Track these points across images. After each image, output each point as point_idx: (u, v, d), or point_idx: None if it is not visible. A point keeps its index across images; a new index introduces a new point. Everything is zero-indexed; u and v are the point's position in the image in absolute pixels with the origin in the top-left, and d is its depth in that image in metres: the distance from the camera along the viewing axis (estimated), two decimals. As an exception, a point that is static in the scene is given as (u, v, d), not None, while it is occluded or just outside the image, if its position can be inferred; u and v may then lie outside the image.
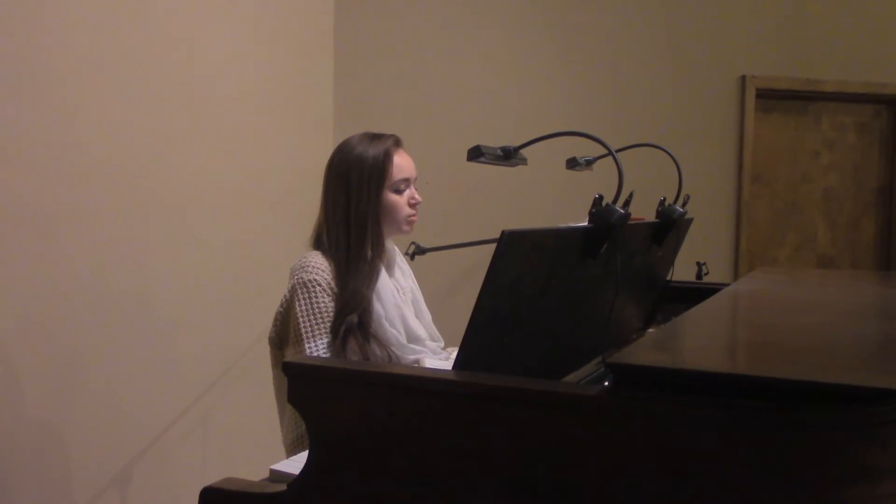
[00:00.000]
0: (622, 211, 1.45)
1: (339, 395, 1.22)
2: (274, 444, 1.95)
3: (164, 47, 2.71)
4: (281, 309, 1.88)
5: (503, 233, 1.21)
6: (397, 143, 1.94)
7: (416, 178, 1.96)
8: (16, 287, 2.23)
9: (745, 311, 1.84)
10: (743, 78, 4.29)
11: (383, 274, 1.89)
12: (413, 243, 3.25)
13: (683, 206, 2.08)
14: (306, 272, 1.82)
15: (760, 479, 0.98)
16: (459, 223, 3.84)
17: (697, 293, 2.13)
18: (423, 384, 1.18)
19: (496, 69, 4.02)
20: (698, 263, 2.88)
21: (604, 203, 1.45)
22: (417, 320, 1.97)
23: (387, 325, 1.85)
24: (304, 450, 1.40)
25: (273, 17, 3.32)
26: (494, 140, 1.82)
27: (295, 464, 1.32)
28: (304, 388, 1.24)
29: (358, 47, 3.83)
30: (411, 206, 1.93)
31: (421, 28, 3.93)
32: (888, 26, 4.44)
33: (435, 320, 2.08)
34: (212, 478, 1.30)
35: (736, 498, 0.99)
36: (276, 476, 1.33)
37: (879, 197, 4.62)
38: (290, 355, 1.82)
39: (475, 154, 1.62)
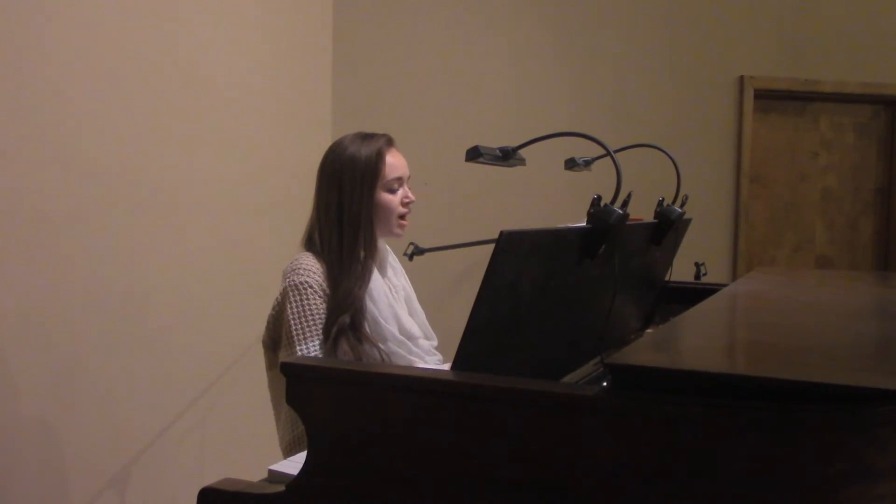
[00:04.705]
0: (620, 211, 1.45)
1: (337, 395, 1.22)
2: (273, 445, 1.94)
3: (162, 48, 2.71)
4: (273, 312, 1.87)
5: (502, 233, 1.21)
6: (389, 142, 1.93)
7: (408, 177, 1.96)
8: (13, 288, 2.23)
9: (743, 312, 1.84)
10: (741, 78, 4.30)
11: (375, 274, 1.89)
12: (412, 243, 3.25)
13: (682, 206, 2.08)
14: (297, 274, 1.81)
15: (759, 479, 0.98)
16: (458, 223, 3.84)
17: (696, 294, 2.13)
18: (421, 384, 1.18)
19: (495, 69, 4.02)
20: (697, 264, 2.88)
21: (602, 203, 1.45)
22: (411, 318, 1.97)
23: (382, 321, 1.84)
24: (300, 452, 1.39)
25: (271, 18, 3.32)
26: (493, 140, 1.82)
27: (293, 464, 1.32)
28: (302, 388, 1.24)
29: (357, 48, 3.83)
30: (404, 205, 1.93)
31: (420, 29, 3.93)
32: (887, 27, 4.44)
33: (434, 320, 2.07)
34: (210, 478, 1.30)
35: (735, 498, 0.99)
36: (274, 476, 1.33)
37: (878, 197, 4.62)
38: (283, 357, 1.81)
39: (474, 154, 1.62)
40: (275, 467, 1.35)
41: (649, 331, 2.25)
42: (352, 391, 1.21)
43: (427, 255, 3.28)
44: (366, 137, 1.91)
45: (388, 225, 1.92)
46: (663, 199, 2.03)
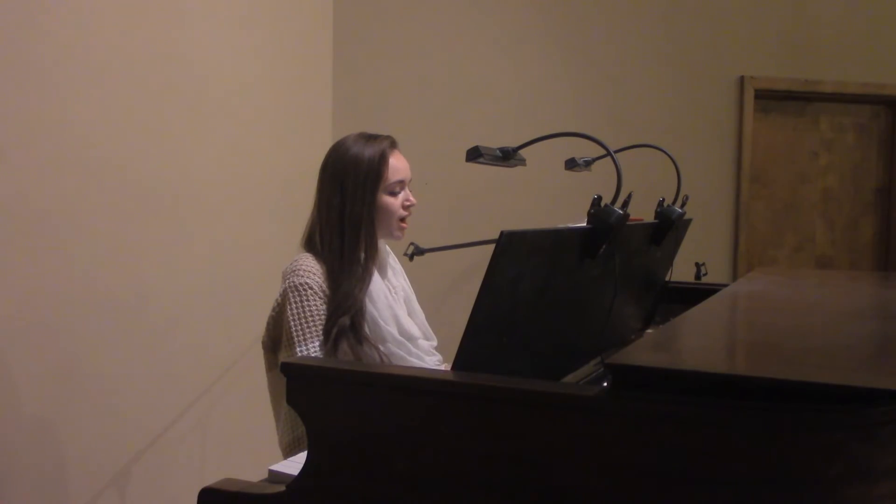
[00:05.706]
0: (621, 211, 1.45)
1: (338, 395, 1.22)
2: (273, 445, 1.94)
3: (162, 47, 2.71)
4: (273, 313, 1.87)
5: (502, 233, 1.21)
6: (393, 144, 1.93)
7: (410, 180, 1.95)
8: (13, 288, 2.23)
9: (743, 312, 1.84)
10: (742, 78, 4.30)
11: (375, 275, 1.88)
12: (412, 244, 3.25)
13: (682, 206, 2.08)
14: (297, 275, 1.81)
15: (760, 479, 0.98)
16: (459, 224, 3.84)
17: (696, 294, 2.13)
18: (422, 385, 1.18)
19: (495, 69, 4.02)
20: (697, 264, 2.88)
21: (602, 204, 1.45)
22: (410, 319, 1.97)
23: (381, 322, 1.84)
24: (300, 452, 1.40)
25: (272, 19, 3.32)
26: (493, 140, 1.82)
27: (294, 464, 1.32)
28: (303, 388, 1.24)
29: (357, 48, 3.83)
30: (405, 208, 1.93)
31: (420, 28, 3.93)
32: (887, 27, 4.45)
33: (434, 320, 2.07)
34: (210, 478, 1.30)
35: (735, 498, 0.99)
36: (274, 477, 1.33)
37: (878, 197, 4.62)
38: (283, 359, 1.81)
39: (474, 155, 1.62)
40: (275, 467, 1.35)
41: (649, 331, 2.25)
42: (352, 391, 1.21)
43: (427, 255, 3.28)
44: (369, 138, 1.90)
45: (389, 227, 1.91)
46: (663, 199, 2.03)
